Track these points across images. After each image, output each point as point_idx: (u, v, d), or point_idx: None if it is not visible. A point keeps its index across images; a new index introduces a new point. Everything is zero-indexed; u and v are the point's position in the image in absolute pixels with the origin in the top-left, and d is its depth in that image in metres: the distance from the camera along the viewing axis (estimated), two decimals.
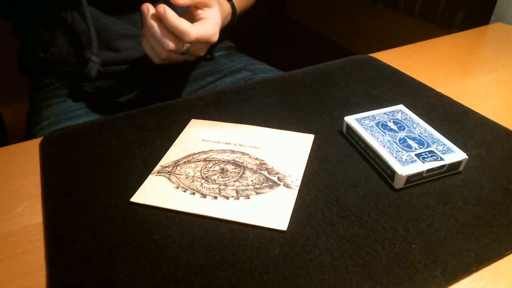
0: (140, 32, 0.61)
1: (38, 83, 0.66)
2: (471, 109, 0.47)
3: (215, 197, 0.36)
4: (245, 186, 0.37)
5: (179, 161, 0.40)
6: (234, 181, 0.37)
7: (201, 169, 0.39)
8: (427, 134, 0.40)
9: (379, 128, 0.41)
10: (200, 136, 0.44)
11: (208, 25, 0.49)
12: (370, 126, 0.41)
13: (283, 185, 0.37)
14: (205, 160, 0.40)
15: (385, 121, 0.42)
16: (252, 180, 0.37)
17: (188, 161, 0.40)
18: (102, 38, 0.59)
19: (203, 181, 0.37)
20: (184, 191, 0.36)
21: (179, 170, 0.39)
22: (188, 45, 0.49)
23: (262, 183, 0.37)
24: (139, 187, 0.37)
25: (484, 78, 0.55)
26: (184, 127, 0.46)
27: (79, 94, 0.63)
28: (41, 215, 0.36)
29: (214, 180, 0.38)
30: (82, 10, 0.54)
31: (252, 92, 0.53)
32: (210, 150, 0.42)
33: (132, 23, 0.61)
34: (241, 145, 0.42)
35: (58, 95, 0.63)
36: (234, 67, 0.69)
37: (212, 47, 0.70)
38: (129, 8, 0.60)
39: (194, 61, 0.68)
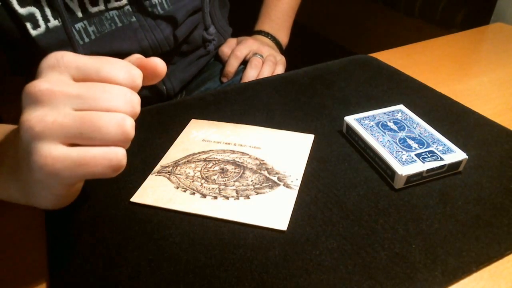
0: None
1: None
2: (471, 109, 0.47)
3: (215, 197, 0.36)
4: (245, 186, 0.37)
5: (179, 161, 0.40)
6: (234, 181, 0.37)
7: (201, 169, 0.39)
8: (427, 134, 0.40)
9: (379, 128, 0.41)
10: (200, 136, 0.44)
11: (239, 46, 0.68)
12: (370, 126, 0.41)
13: (283, 185, 0.37)
14: (205, 160, 0.40)
15: (385, 121, 0.42)
16: (252, 180, 0.37)
17: (188, 161, 0.40)
18: None
19: (203, 181, 0.37)
20: (184, 191, 0.36)
21: (179, 170, 0.39)
22: (257, 56, 0.66)
23: (262, 183, 0.37)
24: (139, 187, 0.37)
25: (484, 78, 0.55)
26: (184, 127, 0.46)
27: None
28: (41, 215, 0.36)
29: (214, 180, 0.38)
30: None
31: (252, 92, 0.53)
32: (210, 150, 0.42)
33: None
34: (241, 145, 0.42)
35: None
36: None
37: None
38: None
39: (198, 61, 0.69)
